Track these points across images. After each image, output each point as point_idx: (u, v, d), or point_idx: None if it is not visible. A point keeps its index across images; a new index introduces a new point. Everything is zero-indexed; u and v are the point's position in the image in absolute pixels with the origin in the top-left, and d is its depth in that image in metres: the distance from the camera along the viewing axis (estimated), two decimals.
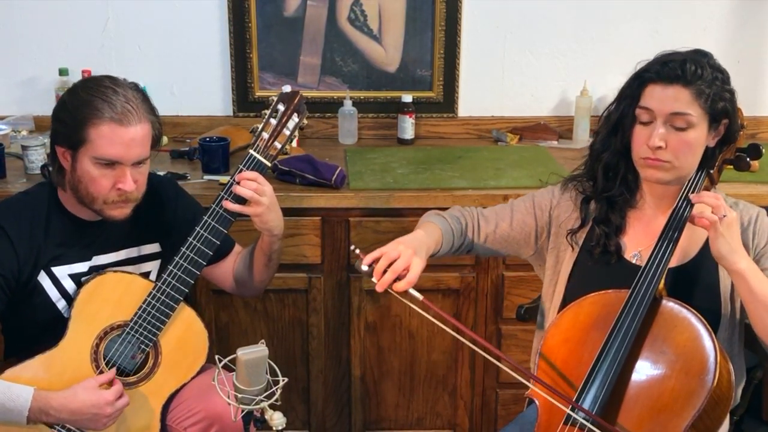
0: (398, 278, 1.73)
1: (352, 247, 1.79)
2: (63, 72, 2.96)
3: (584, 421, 1.70)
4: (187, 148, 2.93)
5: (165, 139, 3.08)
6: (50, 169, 2.07)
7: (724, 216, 1.75)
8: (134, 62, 3.10)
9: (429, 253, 1.88)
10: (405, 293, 1.72)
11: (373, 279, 1.73)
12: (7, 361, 2.08)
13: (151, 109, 2.01)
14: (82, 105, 1.94)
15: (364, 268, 1.74)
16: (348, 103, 3.10)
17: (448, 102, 3.18)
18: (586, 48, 3.16)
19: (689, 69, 1.80)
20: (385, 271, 1.74)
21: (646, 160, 1.85)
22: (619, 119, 1.90)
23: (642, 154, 1.85)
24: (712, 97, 1.80)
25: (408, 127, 3.11)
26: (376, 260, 1.75)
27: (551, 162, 2.94)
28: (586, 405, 1.72)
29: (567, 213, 2.02)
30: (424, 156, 2.99)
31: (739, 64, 3.17)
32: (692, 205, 1.83)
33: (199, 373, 2.11)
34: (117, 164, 1.96)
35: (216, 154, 2.77)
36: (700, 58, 1.84)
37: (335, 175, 2.66)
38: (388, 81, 3.16)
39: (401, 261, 1.74)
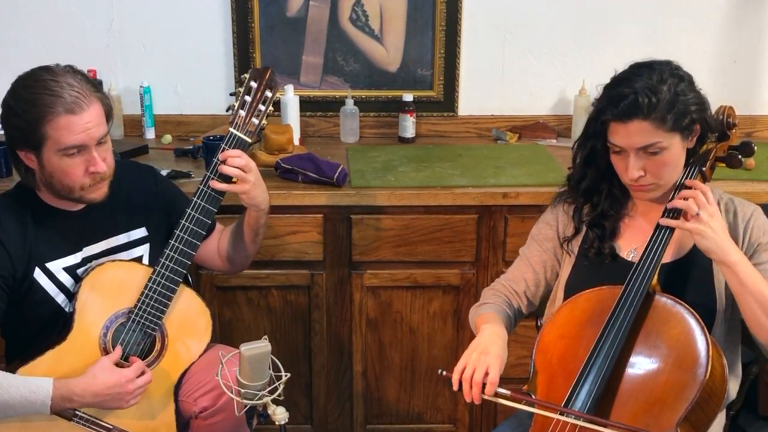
0: (484, 384, 1.80)
1: (440, 371, 1.87)
2: None
3: (575, 422, 1.73)
4: (190, 147, 2.95)
5: (169, 138, 3.12)
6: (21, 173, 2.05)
7: (699, 212, 1.77)
8: (139, 62, 3.12)
9: (505, 339, 1.92)
10: (495, 394, 1.80)
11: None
12: (11, 364, 2.08)
13: (95, 87, 2.01)
14: (30, 105, 1.92)
15: (456, 388, 1.83)
16: (350, 102, 3.12)
17: (449, 101, 3.20)
18: (584, 48, 3.18)
19: (643, 103, 1.77)
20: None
21: (631, 186, 1.89)
22: (590, 154, 1.93)
23: (626, 181, 1.89)
24: (675, 118, 1.79)
25: (409, 125, 3.13)
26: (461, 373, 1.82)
27: (550, 160, 2.97)
28: (580, 399, 1.75)
29: (565, 224, 2.06)
30: (424, 154, 3.01)
31: (736, 63, 3.19)
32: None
33: (205, 351, 2.14)
34: (83, 150, 1.96)
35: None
36: (652, 83, 1.79)
37: (337, 173, 2.68)
38: (389, 80, 3.18)
39: (478, 372, 1.80)
